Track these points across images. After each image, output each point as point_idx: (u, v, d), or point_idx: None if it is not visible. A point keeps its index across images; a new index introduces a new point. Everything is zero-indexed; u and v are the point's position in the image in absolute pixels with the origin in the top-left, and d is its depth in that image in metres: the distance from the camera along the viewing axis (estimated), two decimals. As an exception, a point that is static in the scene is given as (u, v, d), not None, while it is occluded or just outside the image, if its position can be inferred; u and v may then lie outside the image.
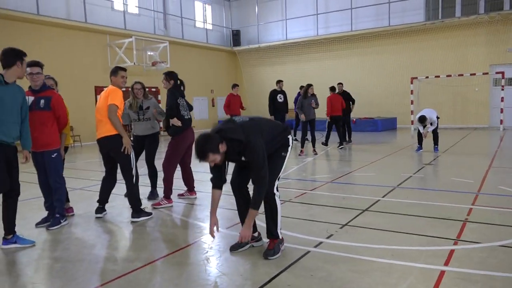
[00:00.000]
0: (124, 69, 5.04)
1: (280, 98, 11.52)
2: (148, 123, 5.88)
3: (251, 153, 3.27)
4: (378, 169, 7.89)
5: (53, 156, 4.59)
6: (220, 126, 3.36)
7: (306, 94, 10.13)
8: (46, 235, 4.42)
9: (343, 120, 11.88)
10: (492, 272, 3.07)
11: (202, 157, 3.19)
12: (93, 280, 3.22)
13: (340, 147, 11.29)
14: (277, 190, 3.56)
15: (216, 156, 3.21)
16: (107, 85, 4.98)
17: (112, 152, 4.89)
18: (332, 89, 11.75)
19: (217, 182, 3.51)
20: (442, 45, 17.25)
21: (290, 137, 3.65)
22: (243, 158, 3.36)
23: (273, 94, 11.53)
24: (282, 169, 3.60)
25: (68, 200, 5.19)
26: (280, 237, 3.63)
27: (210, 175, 3.54)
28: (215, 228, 3.56)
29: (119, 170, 5.00)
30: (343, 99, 11.68)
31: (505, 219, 4.39)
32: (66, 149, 5.21)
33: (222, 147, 3.22)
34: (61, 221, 4.68)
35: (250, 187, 3.51)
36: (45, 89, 4.60)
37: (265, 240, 3.74)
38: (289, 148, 3.64)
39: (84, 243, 4.15)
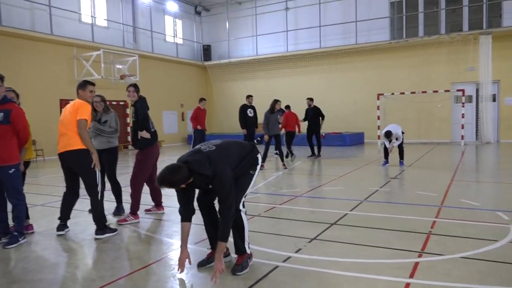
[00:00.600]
0: (92, 84, 4.93)
1: (250, 113, 11.61)
2: (105, 137, 5.71)
3: (218, 184, 3.25)
4: (346, 183, 8.00)
5: (10, 171, 4.37)
6: (186, 158, 3.28)
7: (273, 110, 10.30)
8: (1, 253, 4.19)
9: (313, 134, 12.39)
10: (455, 283, 3.15)
11: (171, 186, 3.14)
12: (52, 301, 3.07)
13: (287, 157, 11.44)
14: (243, 207, 3.54)
15: (182, 186, 3.20)
16: (73, 98, 4.85)
17: (75, 168, 4.71)
18: (287, 107, 12.74)
19: (186, 214, 3.42)
20: (407, 63, 17.90)
21: (258, 155, 3.65)
22: (210, 186, 3.34)
23: (244, 109, 11.62)
24: (250, 187, 3.59)
25: (28, 217, 4.97)
26: (249, 252, 3.60)
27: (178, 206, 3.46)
28: (187, 262, 3.48)
29: (81, 185, 4.84)
30: (314, 114, 12.32)
31: (467, 231, 4.52)
32: (27, 163, 5.01)
33: (188, 177, 3.18)
34: (20, 239, 4.46)
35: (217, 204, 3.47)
36: (5, 102, 4.41)
37: (234, 255, 3.69)
38: (258, 167, 3.64)
39: (44, 262, 3.97)
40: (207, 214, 3.64)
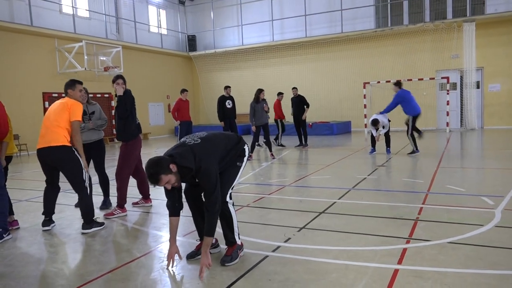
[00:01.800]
0: (80, 82, 4.87)
1: (229, 104, 11.61)
2: (95, 130, 5.64)
3: (203, 178, 3.20)
4: (334, 172, 8.04)
5: (-10, 166, 4.28)
6: (171, 151, 3.23)
7: (258, 99, 10.26)
8: (-13, 251, 4.11)
9: (299, 124, 12.51)
10: (442, 268, 3.19)
11: (155, 181, 3.06)
12: (39, 297, 3.02)
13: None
14: (230, 198, 3.52)
15: (169, 176, 3.09)
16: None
17: (57, 165, 4.57)
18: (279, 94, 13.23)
19: (174, 209, 3.38)
20: (392, 51, 17.96)
21: (245, 147, 3.61)
22: (196, 180, 3.30)
23: (222, 100, 11.60)
24: (237, 179, 3.55)
25: (12, 213, 4.88)
26: (239, 243, 3.58)
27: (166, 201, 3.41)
28: (176, 256, 3.45)
29: (62, 178, 4.73)
30: (297, 103, 12.28)
31: (453, 217, 4.58)
32: (9, 158, 4.89)
33: (174, 167, 3.11)
34: (4, 235, 4.38)
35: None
36: (-16, 95, 4.30)
37: (224, 246, 3.68)
38: (245, 158, 3.60)
39: (30, 258, 3.90)
40: (194, 206, 3.61)
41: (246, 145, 3.64)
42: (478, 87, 17.06)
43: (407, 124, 9.96)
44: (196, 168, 3.17)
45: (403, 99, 9.84)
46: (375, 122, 9.81)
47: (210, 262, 3.26)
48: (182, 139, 3.44)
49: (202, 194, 3.39)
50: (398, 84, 10.08)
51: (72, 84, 4.76)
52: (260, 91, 10.38)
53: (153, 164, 3.06)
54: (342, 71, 19.02)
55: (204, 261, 3.22)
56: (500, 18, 16.10)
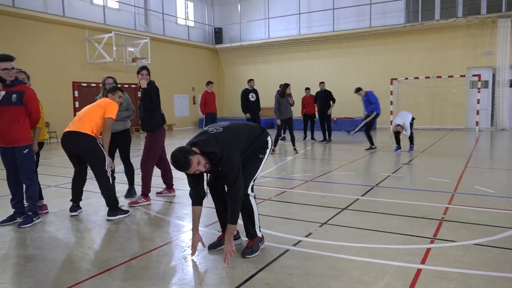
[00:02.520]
0: (122, 90, 5.23)
1: (252, 97, 11.66)
2: (121, 120, 5.72)
3: (226, 166, 3.20)
4: (357, 169, 7.95)
5: (24, 152, 4.44)
6: (193, 140, 3.25)
7: (284, 94, 10.24)
8: (16, 233, 4.27)
9: (323, 119, 12.52)
10: (467, 270, 3.12)
11: (186, 164, 3.04)
12: (66, 280, 3.12)
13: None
14: (252, 191, 3.52)
15: (197, 157, 3.08)
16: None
17: (79, 151, 4.68)
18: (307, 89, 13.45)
19: (197, 198, 3.39)
20: (422, 47, 17.52)
21: (268, 138, 3.60)
22: (219, 169, 3.31)
23: (245, 93, 11.69)
24: (259, 171, 3.55)
25: (42, 198, 5.05)
26: (260, 235, 3.60)
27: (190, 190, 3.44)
28: (200, 244, 3.50)
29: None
30: (324, 97, 12.31)
31: (480, 218, 4.47)
32: (41, 144, 5.05)
33: (196, 150, 3.12)
34: (34, 219, 4.54)
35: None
36: (17, 83, 4.44)
37: (245, 239, 3.70)
38: (268, 150, 3.58)
39: (58, 242, 4.03)
40: (218, 197, 3.63)
41: (269, 136, 3.61)
42: (511, 85, 16.46)
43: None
44: (220, 156, 3.17)
45: (373, 98, 10.71)
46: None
47: (234, 249, 3.28)
48: (205, 128, 3.45)
49: (225, 185, 3.41)
50: (359, 89, 10.99)
51: (114, 90, 5.15)
52: (286, 85, 10.36)
53: (177, 152, 3.07)
54: (369, 67, 18.68)
55: (228, 248, 3.24)
56: (538, 14, 15.45)
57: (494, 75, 16.56)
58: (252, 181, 3.51)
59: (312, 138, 13.41)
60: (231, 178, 3.21)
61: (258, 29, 21.82)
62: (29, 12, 13.72)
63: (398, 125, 9.85)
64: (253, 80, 12.01)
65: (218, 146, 3.17)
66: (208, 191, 3.53)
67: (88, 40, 15.95)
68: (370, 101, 10.61)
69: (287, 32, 20.71)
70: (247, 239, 3.61)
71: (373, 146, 10.72)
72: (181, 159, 3.04)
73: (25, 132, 4.44)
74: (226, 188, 3.34)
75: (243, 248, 3.55)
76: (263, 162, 3.56)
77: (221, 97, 23.12)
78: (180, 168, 3.08)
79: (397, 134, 10.09)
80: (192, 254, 3.48)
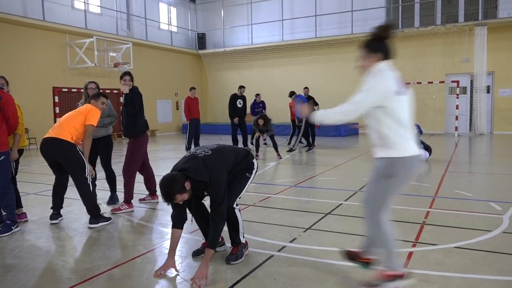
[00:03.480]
0: (106, 96, 5.12)
1: (240, 104, 11.71)
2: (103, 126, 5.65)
3: (213, 189, 3.20)
4: (340, 174, 8.02)
5: (0, 159, 4.33)
6: (183, 165, 3.20)
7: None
8: (-5, 242, 4.16)
9: (308, 125, 12.53)
10: (449, 273, 3.17)
11: (169, 199, 3.06)
12: (46, 289, 3.05)
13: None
14: (236, 205, 3.52)
15: (183, 195, 3.10)
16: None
17: (59, 158, 4.57)
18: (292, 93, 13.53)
19: (179, 221, 3.31)
20: (402, 54, 17.81)
21: (254, 161, 3.62)
22: (205, 193, 3.31)
23: (233, 99, 11.72)
24: (245, 189, 3.56)
25: (21, 206, 4.94)
26: (244, 241, 3.59)
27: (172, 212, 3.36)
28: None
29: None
30: (309, 103, 12.61)
31: (460, 222, 4.56)
32: (21, 151, 4.93)
33: (188, 185, 3.11)
34: (12, 227, 4.43)
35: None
36: (-5, 89, 4.35)
37: (229, 245, 3.69)
38: (254, 171, 3.61)
39: (38, 250, 3.94)
40: (196, 211, 3.60)
41: (254, 158, 3.66)
42: (488, 91, 16.88)
43: (299, 125, 11.52)
44: (209, 180, 3.16)
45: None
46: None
47: (207, 274, 3.08)
48: (192, 151, 3.44)
49: (209, 206, 3.32)
50: (293, 93, 11.86)
51: (97, 95, 5.05)
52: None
53: (168, 183, 3.03)
54: (352, 73, 18.90)
55: (203, 271, 3.06)
56: (513, 23, 15.93)
57: (472, 82, 16.97)
58: (238, 198, 3.52)
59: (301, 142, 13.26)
60: (217, 201, 3.20)
61: (241, 34, 21.88)
62: (8, 16, 13.44)
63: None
64: (244, 87, 12.10)
65: (207, 171, 3.16)
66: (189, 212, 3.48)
67: (69, 45, 15.72)
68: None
69: (270, 38, 20.83)
70: (231, 246, 3.60)
71: (294, 149, 11.52)
72: (168, 193, 3.05)
73: (1, 138, 4.32)
74: (209, 208, 3.30)
75: (227, 255, 3.53)
76: (249, 181, 3.58)
77: (205, 103, 23.05)
78: (163, 198, 3.09)
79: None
80: (156, 275, 3.23)
